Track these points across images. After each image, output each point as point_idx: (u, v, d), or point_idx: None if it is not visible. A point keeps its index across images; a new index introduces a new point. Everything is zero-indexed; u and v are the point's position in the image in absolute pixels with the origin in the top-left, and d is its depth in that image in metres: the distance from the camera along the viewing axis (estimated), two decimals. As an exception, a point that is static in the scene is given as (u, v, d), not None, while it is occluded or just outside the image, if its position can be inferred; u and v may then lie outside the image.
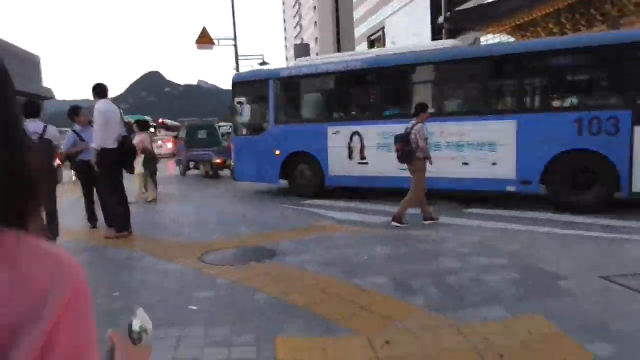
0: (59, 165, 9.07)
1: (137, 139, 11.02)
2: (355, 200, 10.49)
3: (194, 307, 4.32)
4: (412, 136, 7.60)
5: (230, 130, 15.99)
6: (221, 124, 23.44)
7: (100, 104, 7.30)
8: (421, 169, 7.72)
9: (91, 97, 7.48)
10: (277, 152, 11.58)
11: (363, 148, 10.52)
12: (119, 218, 7.47)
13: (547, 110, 8.80)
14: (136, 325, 0.93)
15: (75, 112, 8.17)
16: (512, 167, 8.86)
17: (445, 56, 9.88)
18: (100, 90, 7.44)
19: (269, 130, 11.88)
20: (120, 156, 7.38)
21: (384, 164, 10.12)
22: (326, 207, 9.86)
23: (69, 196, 10.99)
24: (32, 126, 6.43)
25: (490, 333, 3.61)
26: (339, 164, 10.87)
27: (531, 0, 18.47)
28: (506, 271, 5.05)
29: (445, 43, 10.89)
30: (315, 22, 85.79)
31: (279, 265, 5.61)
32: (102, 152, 7.19)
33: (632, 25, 15.92)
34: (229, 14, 24.38)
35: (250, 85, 12.36)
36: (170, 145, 28.02)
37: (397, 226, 7.59)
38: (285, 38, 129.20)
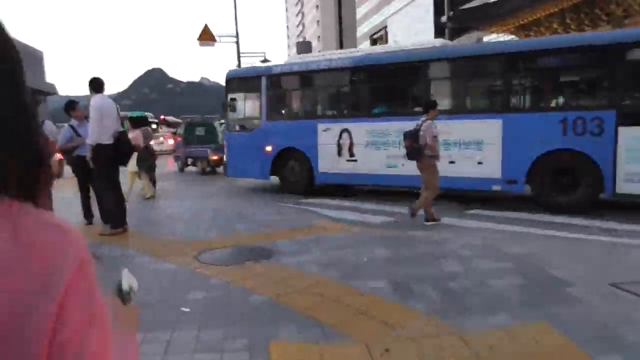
0: (61, 159, 8.94)
1: (130, 135, 10.88)
2: (355, 200, 10.35)
3: (186, 309, 4.16)
4: (421, 133, 7.45)
5: None
6: (222, 121, 23.35)
7: (97, 99, 7.14)
8: (431, 167, 7.59)
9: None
10: (269, 148, 11.67)
11: (352, 145, 10.58)
12: (114, 214, 7.31)
13: (533, 110, 8.87)
14: (125, 285, 0.95)
15: (72, 106, 8.02)
16: (497, 167, 8.89)
17: (433, 55, 9.93)
18: (96, 85, 7.28)
19: (261, 127, 11.97)
20: (116, 152, 7.22)
21: (372, 161, 10.26)
22: (325, 206, 9.71)
23: (65, 192, 10.82)
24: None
25: (494, 341, 3.45)
26: (328, 161, 10.94)
27: (535, 0, 18.29)
28: (510, 275, 4.89)
29: (434, 42, 10.93)
30: (318, 20, 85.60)
31: (275, 266, 5.44)
32: (98, 148, 7.03)
33: (637, 25, 15.73)
34: (232, 11, 24.19)
35: (243, 82, 12.46)
36: (171, 142, 27.97)
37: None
38: (288, 36, 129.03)
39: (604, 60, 8.18)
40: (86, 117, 7.90)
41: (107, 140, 7.08)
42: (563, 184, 8.38)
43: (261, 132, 11.92)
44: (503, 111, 8.92)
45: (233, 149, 12.56)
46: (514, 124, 8.75)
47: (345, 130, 10.67)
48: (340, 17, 76.48)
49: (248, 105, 12.67)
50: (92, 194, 8.04)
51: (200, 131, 18.60)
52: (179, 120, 36.10)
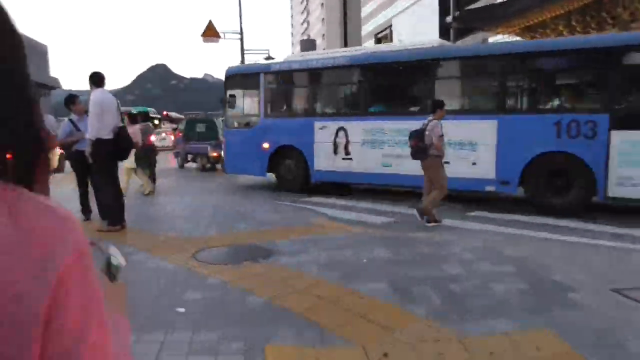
0: (61, 153, 8.88)
1: (129, 131, 10.82)
2: (354, 199, 10.28)
3: (181, 310, 4.09)
4: (427, 133, 7.39)
5: None
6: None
7: (97, 93, 7.08)
8: (436, 166, 7.51)
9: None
10: (266, 145, 11.72)
11: (347, 144, 10.62)
12: (112, 211, 7.25)
13: (528, 112, 8.90)
14: (115, 260, 0.93)
15: (72, 100, 7.95)
16: (491, 167, 8.93)
17: (428, 55, 9.96)
18: (97, 79, 7.21)
19: (258, 124, 12.05)
20: (116, 148, 7.15)
21: (367, 160, 10.32)
22: (324, 204, 9.65)
23: (64, 187, 10.76)
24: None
25: (495, 347, 3.37)
26: (324, 159, 10.99)
27: (542, 1, 18.17)
28: (512, 279, 4.80)
29: (432, 42, 10.98)
30: (323, 18, 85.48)
31: (274, 266, 5.36)
32: (97, 143, 6.96)
33: (643, 29, 15.62)
34: (236, 7, 24.13)
35: (242, 79, 12.55)
36: (173, 138, 27.92)
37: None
38: (292, 34, 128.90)
39: (598, 63, 8.23)
40: (86, 112, 7.82)
41: (107, 135, 7.01)
42: (556, 186, 8.41)
43: (259, 129, 12.00)
44: (498, 112, 8.94)
45: (231, 145, 12.64)
46: (508, 125, 8.78)
47: (341, 128, 10.71)
48: (345, 16, 76.36)
49: (246, 102, 12.77)
50: (90, 189, 7.97)
51: (201, 127, 18.59)
52: (182, 117, 36.04)
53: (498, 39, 23.83)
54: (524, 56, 8.94)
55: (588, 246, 6.28)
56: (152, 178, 12.27)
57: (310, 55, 12.53)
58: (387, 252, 5.89)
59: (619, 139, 7.80)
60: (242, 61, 24.94)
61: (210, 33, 23.79)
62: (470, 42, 24.41)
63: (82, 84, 7.18)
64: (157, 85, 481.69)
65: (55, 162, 15.57)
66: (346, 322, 3.83)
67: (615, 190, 7.88)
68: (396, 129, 9.94)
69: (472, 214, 8.59)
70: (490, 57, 9.33)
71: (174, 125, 32.16)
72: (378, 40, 52.09)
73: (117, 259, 0.94)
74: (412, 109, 10.30)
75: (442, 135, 7.41)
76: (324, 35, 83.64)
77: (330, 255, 5.78)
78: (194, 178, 15.62)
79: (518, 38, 21.46)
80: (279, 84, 12.15)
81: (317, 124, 11.07)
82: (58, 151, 12.27)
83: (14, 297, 0.58)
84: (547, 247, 6.26)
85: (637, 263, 5.68)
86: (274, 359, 3.27)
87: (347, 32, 73.86)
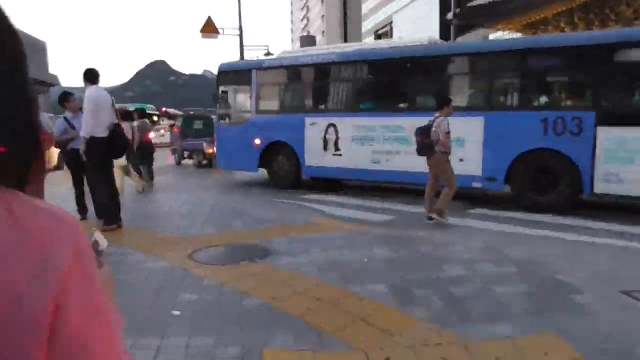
0: (59, 152, 8.77)
1: None
2: (353, 196, 10.17)
3: (177, 313, 3.98)
4: (434, 129, 7.29)
5: None
6: None
7: (92, 90, 6.95)
8: (442, 163, 7.41)
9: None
10: (257, 141, 11.77)
11: (337, 140, 10.66)
12: (108, 209, 7.13)
13: (514, 109, 8.92)
14: (103, 245, 0.93)
15: (66, 98, 7.83)
16: (478, 164, 8.94)
17: (417, 52, 10.00)
18: (91, 76, 7.08)
19: (250, 120, 12.13)
20: (111, 146, 7.03)
21: (357, 156, 10.36)
22: (324, 202, 9.53)
23: (59, 186, 10.64)
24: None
25: (499, 352, 3.27)
26: (314, 155, 11.03)
27: (545, -2, 18.06)
28: (515, 281, 4.70)
29: (422, 39, 11.02)
30: (323, 15, 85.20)
31: (272, 267, 5.25)
32: (91, 141, 6.84)
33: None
34: (236, 3, 23.95)
35: (235, 75, 12.62)
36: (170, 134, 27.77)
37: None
38: (292, 30, 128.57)
39: (584, 60, 8.21)
40: (81, 109, 7.70)
41: (102, 133, 6.89)
42: (542, 183, 8.41)
43: (250, 125, 12.08)
44: (485, 109, 8.93)
45: (223, 141, 12.68)
46: (495, 121, 8.79)
47: (331, 124, 10.76)
48: (345, 12, 76.10)
49: (239, 98, 12.90)
50: (86, 188, 7.85)
51: (198, 124, 18.51)
52: (181, 113, 35.88)
53: (499, 35, 23.72)
54: (511, 54, 8.99)
55: (591, 245, 6.17)
56: (150, 175, 12.17)
57: (301, 52, 12.60)
58: (387, 252, 5.78)
59: (605, 135, 7.79)
60: (242, 57, 24.76)
61: (209, 29, 23.61)
62: (471, 39, 24.30)
63: (81, 81, 7.08)
64: (156, 82, 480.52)
65: (54, 160, 15.45)
66: (346, 325, 3.72)
67: (601, 186, 7.88)
68: (385, 126, 10.03)
69: (473, 211, 8.48)
70: (477, 55, 9.39)
71: (172, 122, 32.00)
72: (378, 37, 51.89)
73: (100, 242, 0.94)
74: (401, 105, 10.40)
75: (448, 132, 7.30)
76: (323, 31, 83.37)
77: (329, 254, 5.67)
78: (191, 175, 15.54)
79: (519, 35, 21.35)
80: (270, 80, 12.15)
81: (308, 120, 11.12)
82: (56, 149, 12.15)
83: (14, 298, 0.57)
84: (549, 245, 6.14)
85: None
86: (272, 365, 3.17)
87: (347, 29, 73.62)
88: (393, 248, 5.97)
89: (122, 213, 7.36)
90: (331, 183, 11.52)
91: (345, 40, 67.67)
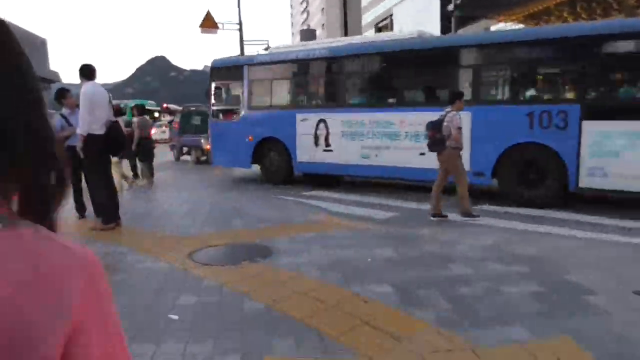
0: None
1: None
2: (356, 193, 10.00)
3: (174, 317, 3.83)
4: (445, 124, 7.13)
5: None
6: None
7: (88, 86, 6.80)
8: (454, 159, 7.25)
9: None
10: (250, 137, 11.76)
11: (328, 135, 10.64)
12: (106, 209, 6.99)
13: (501, 103, 8.88)
14: None
15: (63, 94, 7.68)
16: (466, 159, 8.73)
17: (405, 46, 9.95)
18: (87, 72, 6.92)
19: (242, 116, 12.13)
20: (108, 143, 6.87)
21: (347, 152, 10.36)
22: (325, 199, 9.37)
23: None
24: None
25: (512, 358, 3.12)
26: (306, 151, 11.01)
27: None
28: (525, 281, 4.54)
29: (411, 33, 10.96)
30: (323, 8, 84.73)
31: (272, 267, 5.11)
32: (88, 138, 6.68)
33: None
34: (235, -3, 23.73)
35: (227, 71, 12.56)
36: (169, 130, 27.61)
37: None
38: (292, 24, 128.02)
39: (570, 53, 8.17)
40: (77, 106, 7.55)
41: (99, 130, 6.74)
42: (530, 177, 8.36)
43: (243, 121, 12.08)
44: (471, 103, 8.80)
45: (216, 137, 12.67)
46: (482, 116, 8.71)
47: (322, 120, 10.72)
48: (345, 5, 75.65)
49: (231, 94, 12.82)
50: (84, 186, 7.71)
51: (196, 120, 18.36)
52: (181, 109, 35.69)
53: (500, 27, 23.47)
54: (497, 47, 8.94)
55: (601, 242, 6.00)
56: (150, 172, 12.04)
57: (291, 47, 12.58)
58: (391, 251, 5.63)
59: (590, 129, 7.73)
60: (242, 52, 24.54)
61: (209, 24, 23.39)
62: (472, 31, 24.06)
63: (81, 78, 6.92)
64: (157, 78, 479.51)
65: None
66: (349, 330, 3.57)
67: (586, 180, 7.83)
68: (374, 121, 10.00)
69: (476, 207, 8.29)
70: (464, 48, 9.30)
71: (172, 118, 31.83)
72: (379, 30, 51.52)
73: None
74: (390, 100, 10.35)
75: (460, 127, 7.14)
76: (323, 25, 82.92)
77: (331, 254, 5.52)
78: (189, 171, 15.44)
79: (521, 26, 21.12)
80: (262, 76, 12.12)
81: (299, 116, 11.09)
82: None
83: (26, 327, 0.57)
84: (555, 243, 5.97)
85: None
86: (273, 373, 3.03)
87: (348, 22, 73.18)
88: (396, 246, 5.82)
89: (121, 211, 7.22)
90: (325, 178, 11.49)
91: (346, 34, 67.28)
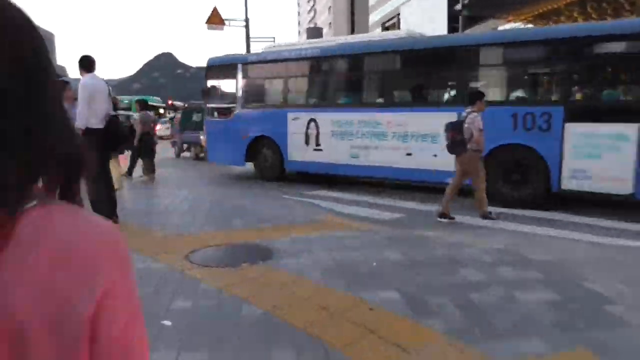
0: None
1: None
2: (361, 193, 9.76)
3: (168, 323, 3.60)
4: (466, 125, 6.87)
5: None
6: None
7: (87, 79, 6.57)
8: (474, 162, 7.05)
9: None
10: (243, 135, 11.83)
11: (318, 135, 10.66)
12: (103, 205, 6.76)
13: (486, 104, 8.80)
14: None
15: (62, 87, 7.46)
16: (452, 159, 8.68)
17: (393, 46, 9.99)
18: (87, 63, 6.69)
19: (236, 114, 12.19)
20: (107, 138, 6.65)
21: (337, 151, 10.39)
22: (330, 198, 9.13)
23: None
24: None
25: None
26: (297, 149, 11.09)
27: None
28: (540, 289, 4.29)
29: (398, 33, 11.12)
30: (330, 7, 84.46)
31: (273, 270, 4.87)
32: (86, 133, 6.46)
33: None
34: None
35: (223, 69, 12.62)
36: (170, 127, 27.49)
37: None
38: (299, 22, 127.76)
39: (553, 55, 8.19)
40: (76, 99, 7.34)
41: (97, 124, 6.51)
42: (513, 178, 8.34)
43: (237, 119, 12.14)
44: (458, 104, 8.74)
45: (211, 135, 12.78)
46: None
47: (313, 119, 10.76)
48: (352, 4, 75.34)
49: (226, 93, 12.80)
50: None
51: (197, 117, 18.21)
52: (186, 105, 35.55)
53: (509, 27, 23.16)
54: (482, 49, 8.94)
55: (617, 247, 5.74)
56: (151, 168, 11.85)
57: (284, 46, 12.61)
58: (398, 254, 5.38)
59: (573, 131, 7.71)
60: (248, 49, 24.33)
61: (215, 20, 23.17)
62: (480, 31, 23.78)
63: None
64: (163, 74, 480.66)
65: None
66: (354, 340, 3.34)
67: (568, 182, 7.81)
68: (364, 121, 9.99)
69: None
70: (450, 49, 9.27)
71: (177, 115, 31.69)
72: (385, 29, 51.23)
73: None
74: (379, 100, 10.37)
75: (482, 129, 6.90)
76: (330, 23, 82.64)
77: (335, 256, 5.28)
78: (189, 168, 15.30)
79: (530, 26, 20.82)
80: (255, 75, 12.23)
81: (290, 115, 11.14)
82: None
83: (63, 303, 0.61)
84: (570, 248, 5.72)
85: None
86: (271, 387, 2.80)
87: (355, 21, 72.89)
88: (403, 249, 5.58)
89: (120, 208, 7.02)
90: (317, 177, 11.47)
91: (352, 32, 67.03)
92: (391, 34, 12.07)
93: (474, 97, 7.13)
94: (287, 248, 5.59)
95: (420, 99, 9.73)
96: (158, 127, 12.55)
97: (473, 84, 9.31)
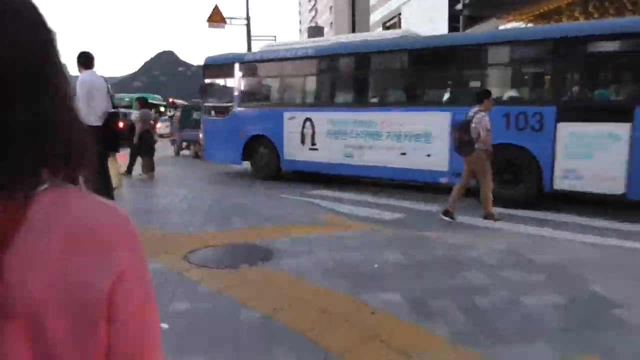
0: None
1: None
2: (363, 193, 9.68)
3: (164, 326, 3.51)
4: (474, 125, 6.79)
5: None
6: None
7: (85, 75, 6.50)
8: (482, 161, 6.96)
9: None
10: (240, 134, 11.85)
11: (314, 134, 10.70)
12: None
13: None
14: None
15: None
16: (445, 159, 8.88)
17: (387, 46, 10.02)
18: (85, 60, 6.62)
19: (233, 113, 12.19)
20: (106, 136, 6.56)
21: (332, 151, 10.40)
22: (331, 198, 9.05)
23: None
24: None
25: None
26: (293, 149, 11.10)
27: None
28: (545, 292, 4.21)
29: (394, 33, 11.11)
30: (331, 6, 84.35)
31: (273, 271, 4.79)
32: (84, 131, 6.38)
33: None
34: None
35: (220, 68, 12.64)
36: (169, 125, 27.47)
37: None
38: (300, 21, 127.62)
39: (546, 55, 8.18)
40: (75, 96, 7.25)
41: (95, 121, 6.42)
42: (505, 177, 8.27)
43: (233, 118, 12.15)
44: (451, 104, 8.87)
45: (208, 133, 12.76)
46: (461, 117, 8.48)
47: (308, 119, 10.77)
48: (353, 3, 75.24)
49: (223, 92, 12.89)
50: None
51: (197, 115, 18.15)
52: (186, 103, 35.46)
53: (510, 27, 23.07)
54: (475, 48, 8.94)
55: (623, 250, 5.66)
56: (151, 167, 11.76)
57: (281, 46, 12.63)
58: (400, 256, 5.29)
59: (565, 131, 7.69)
60: (249, 48, 24.23)
61: (216, 18, 23.10)
62: (481, 31, 23.70)
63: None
64: (165, 72, 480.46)
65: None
66: (356, 345, 3.26)
67: (560, 182, 7.79)
68: (358, 120, 9.99)
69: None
70: (444, 49, 9.25)
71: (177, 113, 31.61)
72: (386, 29, 51.15)
73: None
74: (373, 100, 10.38)
75: (489, 129, 6.83)
76: (331, 23, 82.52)
77: (336, 257, 5.20)
78: (188, 166, 15.25)
79: (531, 25, 20.73)
80: (252, 74, 12.23)
81: (286, 115, 11.14)
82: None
83: (81, 285, 0.63)
84: (575, 249, 5.65)
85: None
86: (270, 393, 2.72)
87: (355, 20, 72.81)
88: (405, 250, 5.50)
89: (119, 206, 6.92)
90: (313, 175, 11.46)
91: (353, 31, 66.91)
92: (387, 34, 12.15)
93: (482, 96, 7.05)
94: (287, 248, 5.51)
95: (414, 99, 9.73)
96: (158, 125, 12.48)
97: (465, 84, 9.34)
